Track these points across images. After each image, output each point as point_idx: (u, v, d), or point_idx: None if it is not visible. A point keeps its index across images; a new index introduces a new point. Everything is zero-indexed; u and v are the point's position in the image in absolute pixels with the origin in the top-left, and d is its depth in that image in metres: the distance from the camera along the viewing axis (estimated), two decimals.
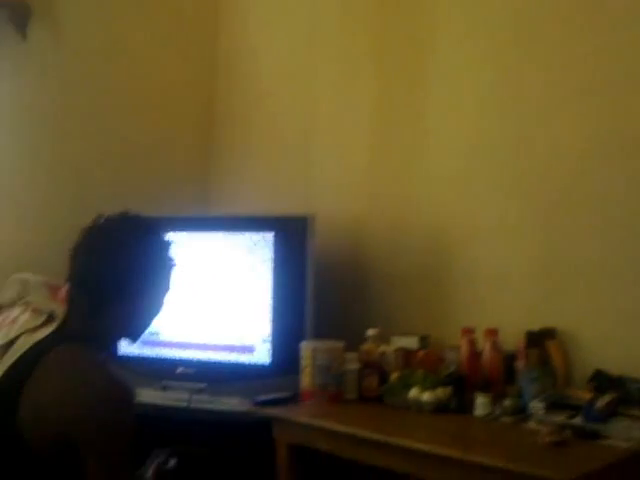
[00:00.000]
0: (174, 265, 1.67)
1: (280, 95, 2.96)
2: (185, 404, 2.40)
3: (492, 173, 2.35)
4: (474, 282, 2.36)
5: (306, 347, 2.27)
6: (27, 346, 1.47)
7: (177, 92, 3.12)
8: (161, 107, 3.06)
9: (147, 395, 2.42)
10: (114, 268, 1.55)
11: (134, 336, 1.67)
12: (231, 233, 2.57)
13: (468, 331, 2.17)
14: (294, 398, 2.25)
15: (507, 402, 2.00)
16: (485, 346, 2.14)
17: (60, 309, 1.54)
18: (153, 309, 1.65)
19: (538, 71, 2.26)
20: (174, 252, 1.66)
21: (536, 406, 1.93)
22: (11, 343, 1.49)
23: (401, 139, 2.60)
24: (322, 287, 2.45)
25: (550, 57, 2.24)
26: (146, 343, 2.56)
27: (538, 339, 2.09)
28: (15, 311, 1.58)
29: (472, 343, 2.15)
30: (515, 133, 2.31)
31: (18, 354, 1.46)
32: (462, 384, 2.10)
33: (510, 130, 2.32)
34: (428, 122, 2.52)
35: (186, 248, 1.69)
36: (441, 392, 2.09)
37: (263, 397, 2.24)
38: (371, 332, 2.32)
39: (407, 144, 2.58)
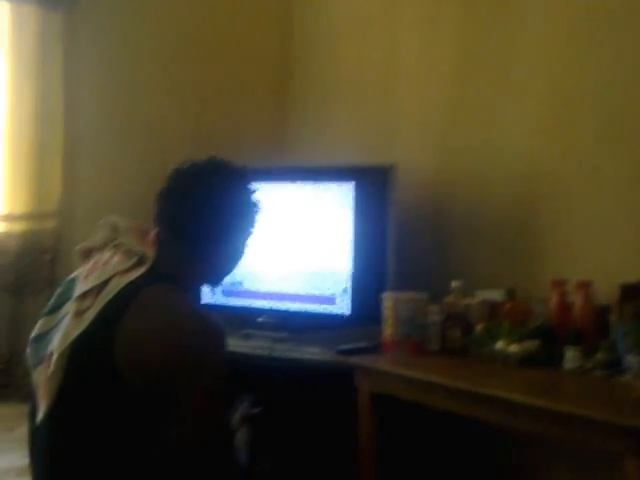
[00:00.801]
0: (259, 210, 1.66)
1: (360, 41, 2.90)
2: (267, 352, 2.41)
3: (583, 119, 2.25)
4: (564, 233, 2.28)
5: (388, 298, 2.25)
6: (120, 287, 1.48)
7: (253, 39, 3.09)
8: (237, 55, 3.05)
9: (229, 343, 2.43)
10: (201, 211, 1.56)
11: (217, 280, 1.67)
12: (311, 183, 2.55)
13: (559, 283, 2.10)
14: (376, 348, 2.24)
15: (599, 356, 1.95)
16: (577, 299, 2.07)
17: (150, 251, 1.55)
18: (237, 253, 1.65)
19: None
20: (259, 198, 1.65)
21: (632, 360, 1.86)
22: (105, 284, 1.50)
23: (484, 86, 2.51)
24: (403, 238, 2.42)
25: None
26: (229, 293, 2.59)
27: (634, 292, 2.01)
28: (106, 254, 1.59)
29: (563, 295, 2.09)
30: (608, 76, 2.19)
31: (112, 294, 1.47)
32: (551, 337, 2.05)
33: (603, 73, 2.20)
34: (512, 68, 2.43)
35: (266, 199, 1.68)
36: (529, 344, 2.04)
37: (346, 346, 2.24)
38: (455, 284, 2.28)
39: (491, 91, 2.49)
